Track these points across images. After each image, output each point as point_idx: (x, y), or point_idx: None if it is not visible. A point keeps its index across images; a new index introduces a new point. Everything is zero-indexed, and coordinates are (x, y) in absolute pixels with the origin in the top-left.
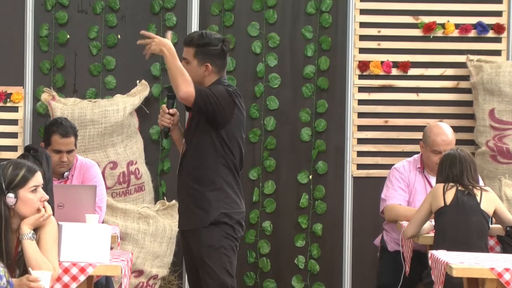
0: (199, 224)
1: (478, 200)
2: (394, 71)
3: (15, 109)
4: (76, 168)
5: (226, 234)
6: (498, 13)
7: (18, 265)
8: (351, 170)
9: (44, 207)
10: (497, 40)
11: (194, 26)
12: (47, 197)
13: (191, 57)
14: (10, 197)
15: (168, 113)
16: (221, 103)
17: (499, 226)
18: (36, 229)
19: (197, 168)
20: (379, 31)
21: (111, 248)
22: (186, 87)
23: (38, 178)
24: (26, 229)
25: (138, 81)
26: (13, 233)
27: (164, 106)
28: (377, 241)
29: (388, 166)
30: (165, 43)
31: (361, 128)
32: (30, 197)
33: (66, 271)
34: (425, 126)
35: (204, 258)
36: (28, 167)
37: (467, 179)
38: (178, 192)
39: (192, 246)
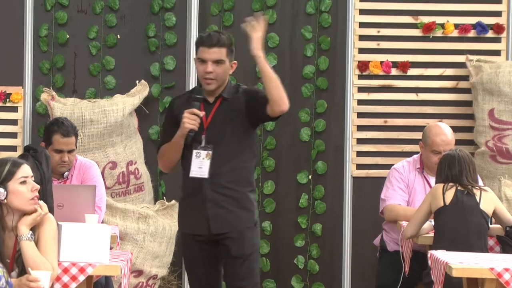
0: (244, 225)
1: (478, 200)
2: (394, 71)
3: (14, 109)
4: (75, 168)
5: (259, 234)
6: (498, 13)
7: (17, 265)
8: (350, 170)
9: (39, 205)
10: (497, 40)
11: (194, 26)
12: (38, 186)
13: (225, 57)
14: (0, 192)
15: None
16: None
17: (498, 226)
18: (35, 229)
19: (236, 169)
20: (378, 31)
21: (111, 248)
22: (287, 99)
23: (25, 170)
24: (24, 230)
25: (137, 81)
26: (10, 231)
27: (194, 109)
28: (376, 241)
29: (387, 166)
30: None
31: (360, 128)
32: (20, 189)
33: (65, 271)
34: (424, 126)
35: (248, 256)
36: (13, 161)
37: (466, 179)
38: (207, 196)
39: (231, 247)
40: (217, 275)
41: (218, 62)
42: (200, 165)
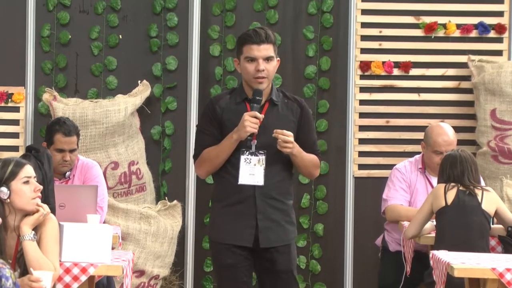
0: (291, 239)
1: (479, 200)
2: (396, 71)
3: (16, 109)
4: (77, 168)
5: None
6: (500, 13)
7: (19, 265)
8: (352, 170)
9: (41, 206)
10: (499, 40)
11: (196, 26)
12: (40, 187)
13: (273, 53)
14: (3, 191)
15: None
16: None
17: (500, 226)
18: (37, 229)
19: (284, 180)
20: (380, 31)
21: (113, 248)
22: (317, 172)
23: (28, 170)
24: (26, 230)
25: (139, 81)
26: (12, 231)
27: (256, 112)
28: (378, 241)
29: (389, 167)
30: (296, 146)
31: (362, 128)
32: (23, 188)
33: (67, 271)
34: (426, 126)
35: (293, 269)
36: (16, 162)
37: (468, 179)
38: (259, 207)
39: (278, 261)
40: (250, 285)
41: (268, 59)
42: (252, 171)
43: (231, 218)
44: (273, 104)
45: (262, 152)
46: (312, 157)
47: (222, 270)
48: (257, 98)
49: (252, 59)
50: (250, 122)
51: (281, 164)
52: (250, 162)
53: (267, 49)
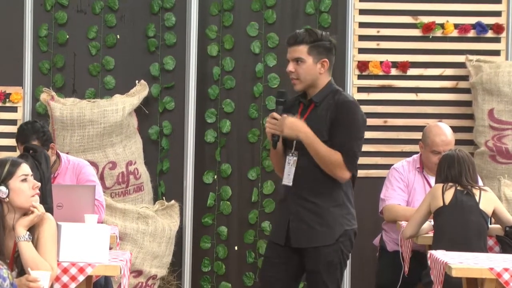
0: (322, 242)
1: (477, 200)
2: (393, 71)
3: (14, 109)
4: (68, 170)
5: (345, 250)
6: (497, 13)
7: (17, 265)
8: None
9: (35, 206)
10: (496, 40)
11: (193, 26)
12: (38, 184)
13: (305, 55)
14: (1, 190)
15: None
16: (361, 144)
17: (498, 226)
18: (35, 229)
19: (318, 181)
20: (378, 31)
21: (110, 248)
22: (341, 173)
23: (25, 168)
24: (21, 231)
25: (137, 81)
26: (10, 230)
27: (274, 114)
28: (376, 241)
29: (387, 166)
30: (301, 128)
31: None
32: (22, 187)
33: (65, 271)
34: (424, 126)
35: (323, 274)
36: (12, 161)
37: (466, 179)
38: (291, 208)
39: (307, 261)
40: (293, 284)
41: (297, 60)
42: (289, 172)
43: (275, 217)
44: (316, 104)
45: (296, 152)
46: (331, 152)
47: (262, 260)
48: (279, 100)
49: (288, 61)
50: (270, 123)
51: (313, 164)
52: (290, 162)
53: (295, 51)
